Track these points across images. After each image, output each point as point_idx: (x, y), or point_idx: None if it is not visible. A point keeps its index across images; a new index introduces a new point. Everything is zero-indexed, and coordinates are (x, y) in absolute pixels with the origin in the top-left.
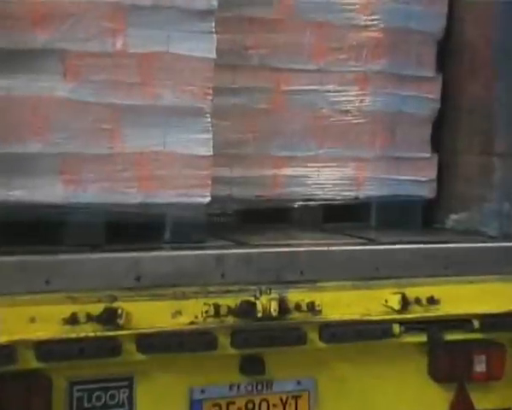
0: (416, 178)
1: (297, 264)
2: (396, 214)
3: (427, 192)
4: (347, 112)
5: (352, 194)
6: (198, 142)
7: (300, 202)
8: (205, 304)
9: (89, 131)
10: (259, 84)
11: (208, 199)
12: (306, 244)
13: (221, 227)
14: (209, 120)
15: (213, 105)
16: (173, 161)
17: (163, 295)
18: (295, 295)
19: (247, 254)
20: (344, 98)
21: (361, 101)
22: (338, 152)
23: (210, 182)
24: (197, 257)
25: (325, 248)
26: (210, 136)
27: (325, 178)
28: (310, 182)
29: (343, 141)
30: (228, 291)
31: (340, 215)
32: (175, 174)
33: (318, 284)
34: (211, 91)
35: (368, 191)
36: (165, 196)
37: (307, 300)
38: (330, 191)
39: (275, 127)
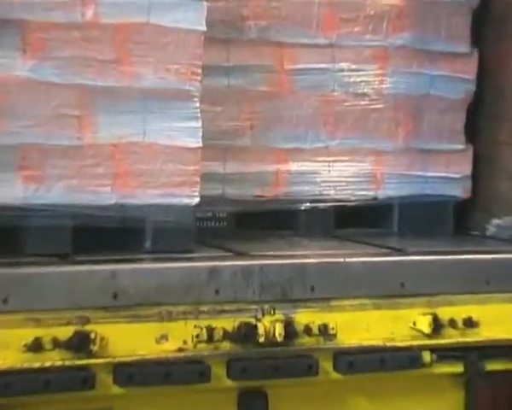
0: (447, 174)
1: (306, 278)
2: (423, 219)
3: (461, 192)
4: (364, 95)
5: (370, 194)
6: (184, 131)
7: (308, 204)
8: (196, 327)
9: (53, 118)
10: (259, 62)
11: (197, 200)
12: (317, 255)
13: (213, 234)
14: (198, 105)
15: (203, 87)
16: (155, 155)
17: (145, 315)
18: (305, 316)
19: (247, 266)
20: (360, 79)
21: (381, 82)
22: (353, 143)
23: (199, 179)
24: (186, 270)
25: (340, 260)
26: (199, 124)
27: (338, 175)
28: (319, 179)
29: (359, 130)
30: (223, 311)
31: (356, 220)
32: (157, 170)
33: (332, 303)
34: (200, 71)
35: (389, 191)
36: (146, 196)
37: (319, 322)
38: (344, 191)
39: (277, 114)
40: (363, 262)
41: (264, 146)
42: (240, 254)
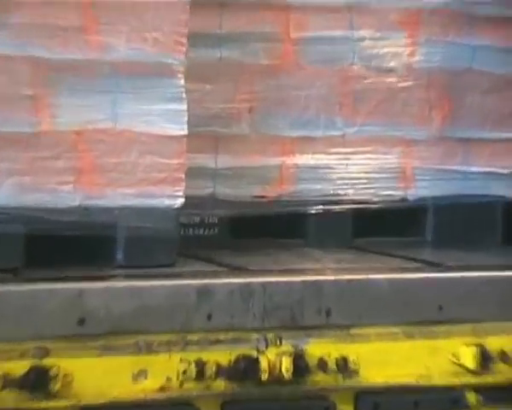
0: (494, 169)
1: (321, 300)
2: (464, 225)
3: (510, 191)
4: (390, 71)
5: (398, 194)
6: (166, 115)
7: (320, 207)
8: (182, 360)
9: (1, 98)
10: (259, 30)
11: (181, 201)
12: (334, 270)
13: (202, 244)
14: (182, 82)
15: (189, 61)
16: (128, 145)
17: (119, 346)
18: (319, 347)
19: (246, 284)
20: (385, 50)
21: (411, 54)
22: (376, 131)
23: (184, 176)
24: (170, 289)
25: (363, 277)
26: (184, 106)
27: (357, 171)
28: (334, 176)
29: (384, 114)
30: (217, 341)
31: (380, 226)
32: (131, 164)
33: (353, 331)
34: (185, 40)
35: (421, 190)
36: (117, 196)
37: (337, 354)
38: (365, 190)
39: (282, 94)
40: (391, 280)
41: (266, 134)
42: (237, 270)
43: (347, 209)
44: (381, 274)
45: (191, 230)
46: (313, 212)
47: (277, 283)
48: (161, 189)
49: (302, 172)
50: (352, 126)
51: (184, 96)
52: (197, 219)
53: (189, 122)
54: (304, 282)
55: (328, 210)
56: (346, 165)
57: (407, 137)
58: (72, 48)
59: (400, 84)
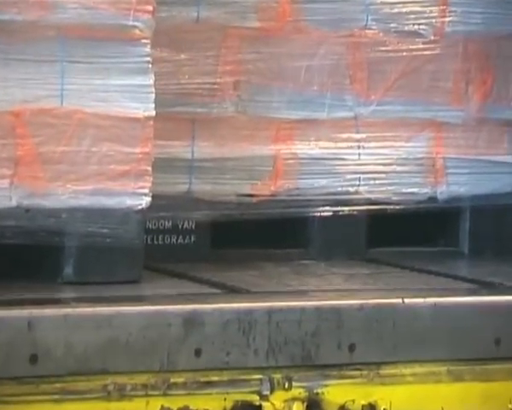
0: None
1: (342, 332)
2: (509, 231)
3: None
4: (415, 35)
5: (425, 191)
6: (128, 92)
7: (325, 208)
8: (164, 409)
9: None
10: None
11: (147, 200)
12: (354, 291)
13: (175, 255)
14: (148, 49)
15: (158, 23)
16: (80, 129)
17: (82, 391)
18: (340, 392)
19: (245, 312)
20: (408, 9)
21: (441, 14)
22: (398, 111)
23: (150, 168)
24: (146, 317)
25: (396, 301)
26: (150, 81)
27: (372, 162)
28: (343, 169)
29: (408, 90)
30: (208, 384)
31: (401, 233)
32: (83, 154)
33: (384, 371)
34: None
35: (455, 186)
36: (65, 194)
37: (363, 400)
38: (382, 187)
39: (277, 65)
40: (434, 305)
41: (256, 116)
42: (227, 290)
43: (360, 211)
44: (419, 297)
45: (161, 237)
46: (317, 215)
47: (285, 309)
48: (122, 185)
49: (302, 164)
50: (367, 106)
51: (151, 67)
52: (168, 224)
53: (156, 101)
54: (319, 308)
55: (336, 213)
56: (359, 155)
57: (437, 120)
58: (7, 6)
59: (428, 52)
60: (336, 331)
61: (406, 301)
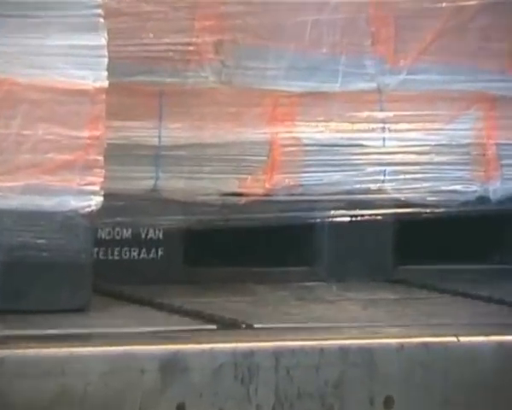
0: None
1: (374, 382)
2: None
3: None
4: None
5: (471, 190)
6: (72, 56)
7: (338, 212)
8: None
9: None
10: None
11: (98, 201)
12: (385, 326)
13: (137, 274)
14: (100, 0)
15: None
16: (7, 105)
17: None
18: None
19: (244, 354)
20: None
21: None
22: (434, 82)
23: (102, 158)
24: (109, 360)
25: (449, 339)
26: (102, 41)
27: (401, 150)
28: (362, 160)
29: (448, 53)
30: None
31: (439, 245)
32: (12, 139)
33: None
34: None
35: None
36: None
37: None
38: (415, 184)
39: (272, 19)
40: (499, 345)
41: (246, 88)
42: (222, 325)
43: (385, 217)
44: (479, 335)
45: (117, 251)
46: (326, 221)
47: (297, 349)
48: (64, 180)
49: (308, 152)
50: (394, 74)
51: (103, 22)
52: (127, 233)
53: (111, 67)
54: (344, 348)
55: (353, 218)
56: (384, 140)
57: (488, 93)
58: None
59: (476, 2)
60: (367, 380)
61: (462, 339)
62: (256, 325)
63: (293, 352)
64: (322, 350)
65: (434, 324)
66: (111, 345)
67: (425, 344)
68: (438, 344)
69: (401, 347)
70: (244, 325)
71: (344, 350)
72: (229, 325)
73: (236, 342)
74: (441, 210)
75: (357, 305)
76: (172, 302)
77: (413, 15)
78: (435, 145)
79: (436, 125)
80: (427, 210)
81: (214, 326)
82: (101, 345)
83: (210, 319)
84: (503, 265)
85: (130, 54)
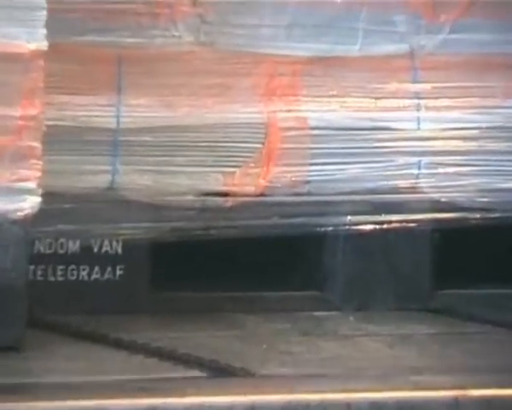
0: None
1: None
2: None
3: None
4: None
5: None
6: (3, 9)
7: (357, 218)
8: None
9: None
10: None
11: (35, 202)
12: (425, 372)
13: (94, 301)
14: None
15: None
16: None
17: None
18: None
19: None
20: None
21: None
22: (485, 44)
23: (39, 145)
24: None
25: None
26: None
27: (442, 135)
28: (390, 148)
29: (501, 8)
30: None
31: (494, 263)
32: None
33: None
34: None
35: None
36: None
37: None
38: (458, 180)
39: None
40: None
41: (233, 52)
42: (209, 371)
43: (420, 224)
44: None
45: (61, 269)
46: (341, 229)
47: (313, 405)
48: None
49: (316, 138)
50: (432, 33)
51: None
52: (74, 246)
53: (51, 25)
54: (376, 404)
55: (377, 226)
56: (418, 122)
57: None
58: None
59: None
60: None
61: None
62: (242, 369)
63: (307, 408)
64: (348, 406)
65: (492, 369)
66: (54, 399)
67: (487, 400)
68: (503, 398)
69: (455, 401)
70: (231, 371)
71: (377, 406)
72: (212, 371)
73: (224, 394)
74: (495, 215)
75: (382, 342)
76: (136, 338)
77: None
78: (487, 128)
79: (488, 102)
80: (477, 215)
81: (200, 373)
82: (41, 400)
83: (184, 360)
84: None
85: (77, 6)
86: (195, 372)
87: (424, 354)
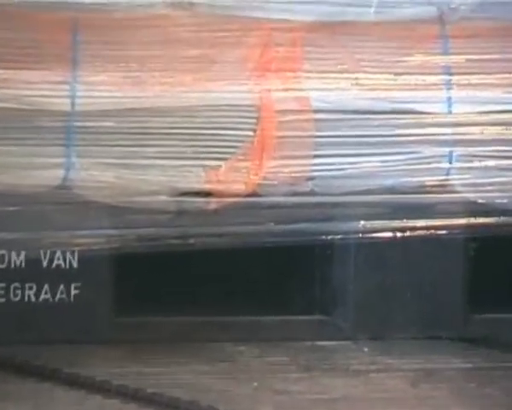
0: None
1: None
2: None
3: None
4: None
5: None
6: None
7: (374, 223)
8: None
9: None
10: None
11: None
12: None
13: (42, 327)
14: None
15: None
16: None
17: None
18: None
19: None
20: None
21: None
22: None
23: None
24: None
25: None
26: None
27: (480, 120)
28: (415, 136)
29: None
30: None
31: None
32: None
33: None
34: None
35: None
36: None
37: None
38: (501, 176)
39: None
40: None
41: (219, 16)
42: None
43: (451, 231)
44: None
45: (2, 288)
46: (352, 238)
47: None
48: None
49: (321, 124)
50: None
51: None
52: (18, 259)
53: None
54: None
55: (397, 233)
56: (449, 103)
57: None
58: None
59: None
60: None
61: None
62: None
63: None
64: None
65: None
66: None
67: None
68: None
69: None
70: None
71: None
72: None
73: None
74: None
75: (403, 379)
76: (95, 374)
77: None
78: None
79: None
80: None
81: None
82: None
83: (158, 403)
84: None
85: None
86: None
87: (455, 392)
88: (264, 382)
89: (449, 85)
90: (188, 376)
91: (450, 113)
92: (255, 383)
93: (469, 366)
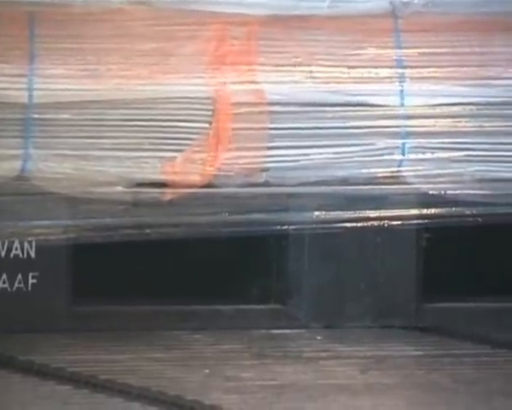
0: None
1: None
2: None
3: None
4: None
5: None
6: None
7: (328, 215)
8: None
9: None
10: None
11: None
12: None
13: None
14: None
15: None
16: None
17: None
18: None
19: None
20: None
21: None
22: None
23: None
24: None
25: None
26: None
27: (431, 111)
28: (367, 128)
29: None
30: None
31: (498, 269)
32: None
33: None
34: None
35: None
36: None
37: None
38: (451, 168)
39: None
40: None
41: (173, 8)
42: (151, 402)
43: (404, 222)
44: None
45: None
46: (307, 228)
47: None
48: None
49: (275, 116)
50: None
51: None
52: None
53: None
54: None
55: (350, 224)
56: (401, 95)
57: None
58: None
59: None
60: None
61: None
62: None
63: None
64: None
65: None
66: None
67: None
68: None
69: None
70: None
71: None
72: (151, 401)
73: None
74: (496, 211)
75: (354, 366)
76: (49, 361)
77: None
78: (486, 104)
79: (487, 72)
80: (474, 211)
81: (124, 401)
82: None
83: (110, 388)
84: None
85: None
86: (118, 401)
87: (404, 379)
88: (216, 369)
89: (401, 78)
90: (141, 363)
91: (402, 105)
92: (207, 370)
93: (420, 353)
